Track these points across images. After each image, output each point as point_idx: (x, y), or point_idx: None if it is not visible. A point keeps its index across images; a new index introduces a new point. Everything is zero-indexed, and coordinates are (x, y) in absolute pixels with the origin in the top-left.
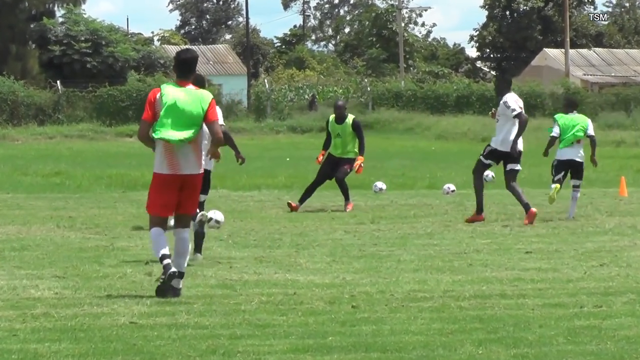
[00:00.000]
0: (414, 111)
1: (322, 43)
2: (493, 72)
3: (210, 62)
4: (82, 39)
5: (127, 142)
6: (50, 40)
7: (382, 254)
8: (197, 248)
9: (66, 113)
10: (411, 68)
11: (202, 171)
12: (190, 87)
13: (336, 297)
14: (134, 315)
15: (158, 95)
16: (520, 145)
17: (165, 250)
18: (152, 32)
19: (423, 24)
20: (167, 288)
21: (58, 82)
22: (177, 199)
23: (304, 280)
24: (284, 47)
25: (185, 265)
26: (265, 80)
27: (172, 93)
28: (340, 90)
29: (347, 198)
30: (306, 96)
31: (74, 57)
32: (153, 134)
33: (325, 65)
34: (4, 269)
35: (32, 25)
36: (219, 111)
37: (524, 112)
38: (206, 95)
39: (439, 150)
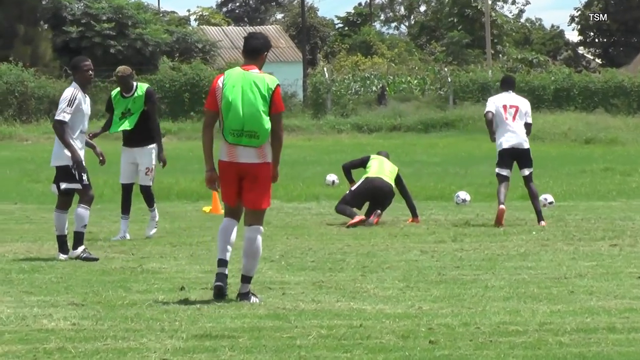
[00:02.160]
0: None
1: (393, 24)
2: (598, 60)
3: None
4: (104, 18)
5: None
6: (66, 19)
7: (466, 278)
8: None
9: None
10: (500, 55)
11: (261, 161)
12: (254, 71)
13: (411, 330)
14: (167, 351)
15: (220, 82)
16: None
17: (224, 254)
18: (188, 11)
19: (514, 2)
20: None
21: None
22: (236, 189)
23: (372, 309)
24: (346, 28)
25: (254, 269)
26: (325, 69)
27: (232, 80)
28: (415, 81)
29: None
30: (374, 88)
31: (95, 40)
32: (223, 135)
33: (396, 50)
34: (11, 294)
35: (43, 2)
36: None
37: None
38: (270, 80)
39: (533, 153)
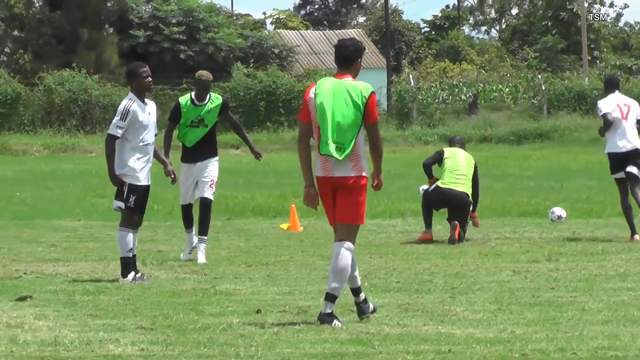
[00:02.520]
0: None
1: (483, 28)
2: None
3: None
4: (174, 21)
5: (232, 155)
6: (133, 23)
7: (562, 300)
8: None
9: None
10: (597, 61)
11: (356, 174)
12: (347, 79)
13: (503, 355)
14: None
15: (311, 93)
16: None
17: (353, 282)
18: (264, 14)
19: (612, 4)
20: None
21: None
22: (332, 204)
23: (462, 334)
24: (433, 33)
25: (340, 289)
26: (410, 76)
27: (323, 90)
28: (507, 89)
29: None
30: (462, 96)
31: (164, 45)
32: (318, 147)
33: (487, 56)
34: (74, 318)
35: (109, 4)
36: None
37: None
38: (364, 88)
39: None
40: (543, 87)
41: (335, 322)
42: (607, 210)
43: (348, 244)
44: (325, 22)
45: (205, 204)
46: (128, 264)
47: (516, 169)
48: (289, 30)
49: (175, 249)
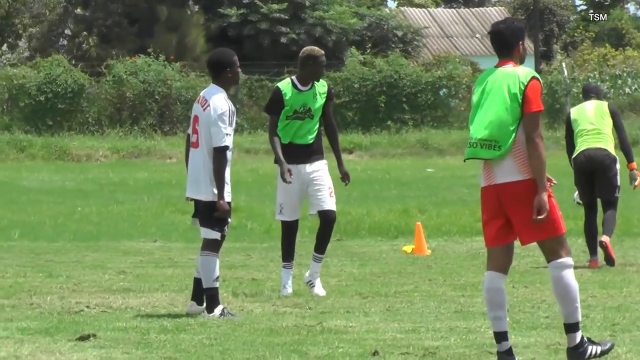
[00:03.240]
0: None
1: None
2: None
3: (477, 35)
4: None
5: (347, 160)
6: (223, 0)
7: None
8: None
9: (249, 115)
10: None
11: (528, 177)
12: (508, 66)
13: None
14: None
15: (473, 87)
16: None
17: (498, 325)
18: None
19: None
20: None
21: None
22: (500, 222)
23: None
24: (591, 12)
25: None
26: (563, 64)
27: (481, 81)
28: None
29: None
30: (627, 89)
31: (261, 27)
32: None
33: None
34: None
35: None
36: None
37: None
38: (523, 73)
39: None
40: None
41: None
42: None
43: (562, 261)
44: (461, 0)
45: (332, 218)
46: (214, 296)
47: None
48: (415, 9)
49: (273, 276)
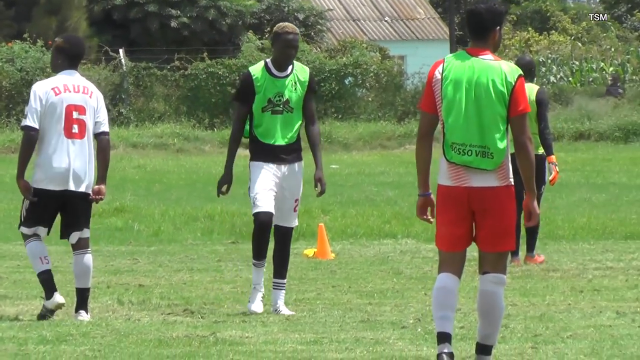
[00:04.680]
0: None
1: None
2: None
3: (387, 19)
4: None
5: (238, 155)
6: None
7: None
8: None
9: (136, 106)
10: None
11: (503, 183)
12: (486, 56)
13: None
14: None
15: (437, 73)
16: None
17: (443, 325)
18: None
19: None
20: None
21: (121, 51)
22: (465, 226)
23: None
24: None
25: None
26: None
27: (455, 70)
28: (611, 68)
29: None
30: (552, 77)
31: (149, 9)
32: (444, 152)
33: (584, 25)
34: None
35: None
36: None
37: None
38: (509, 70)
39: None
40: None
41: None
42: None
43: (502, 277)
44: None
45: (286, 234)
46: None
47: (622, 175)
48: None
49: (161, 282)
